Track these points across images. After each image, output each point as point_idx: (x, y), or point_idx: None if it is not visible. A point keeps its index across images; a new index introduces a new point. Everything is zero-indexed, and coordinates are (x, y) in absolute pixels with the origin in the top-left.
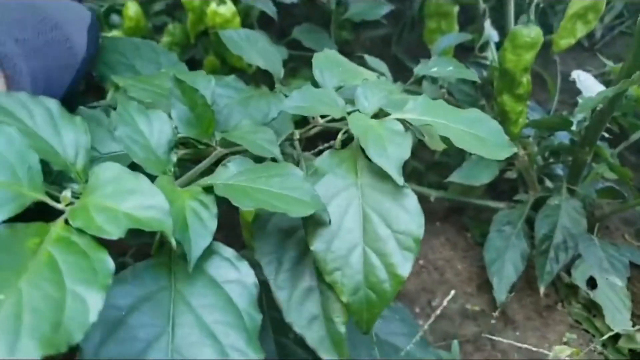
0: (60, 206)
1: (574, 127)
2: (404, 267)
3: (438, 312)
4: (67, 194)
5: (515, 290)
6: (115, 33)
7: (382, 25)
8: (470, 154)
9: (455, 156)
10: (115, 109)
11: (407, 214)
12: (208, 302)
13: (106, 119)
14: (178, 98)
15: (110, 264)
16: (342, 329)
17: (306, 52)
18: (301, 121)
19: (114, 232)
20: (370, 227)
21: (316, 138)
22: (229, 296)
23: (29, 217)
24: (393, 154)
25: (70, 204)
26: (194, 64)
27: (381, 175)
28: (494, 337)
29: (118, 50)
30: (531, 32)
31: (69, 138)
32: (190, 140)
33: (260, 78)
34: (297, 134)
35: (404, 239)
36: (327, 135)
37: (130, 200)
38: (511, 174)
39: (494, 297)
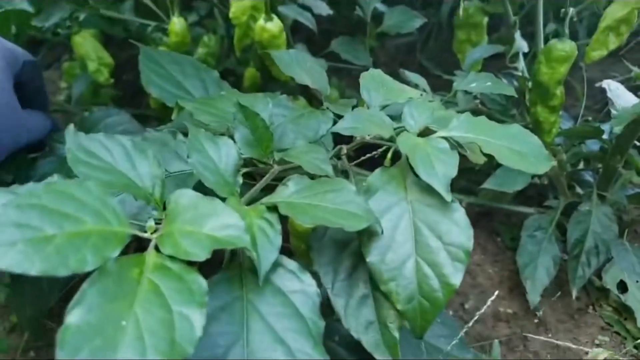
0: (147, 235)
1: (605, 136)
2: (456, 277)
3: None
4: (151, 223)
5: (547, 293)
6: (161, 49)
7: (407, 33)
8: None
9: (484, 163)
10: (180, 132)
11: (457, 227)
12: (276, 311)
13: (172, 140)
14: (241, 122)
15: (204, 283)
16: (396, 334)
17: (335, 63)
18: (340, 136)
19: (200, 254)
20: (421, 239)
21: (356, 150)
22: (295, 305)
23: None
24: (440, 171)
25: (155, 231)
26: (227, 75)
27: (429, 191)
28: (528, 336)
29: (158, 63)
30: (566, 47)
31: (144, 170)
32: (250, 160)
33: (299, 89)
34: (344, 150)
35: (454, 250)
36: (365, 147)
37: (210, 222)
38: (542, 180)
39: (527, 300)
